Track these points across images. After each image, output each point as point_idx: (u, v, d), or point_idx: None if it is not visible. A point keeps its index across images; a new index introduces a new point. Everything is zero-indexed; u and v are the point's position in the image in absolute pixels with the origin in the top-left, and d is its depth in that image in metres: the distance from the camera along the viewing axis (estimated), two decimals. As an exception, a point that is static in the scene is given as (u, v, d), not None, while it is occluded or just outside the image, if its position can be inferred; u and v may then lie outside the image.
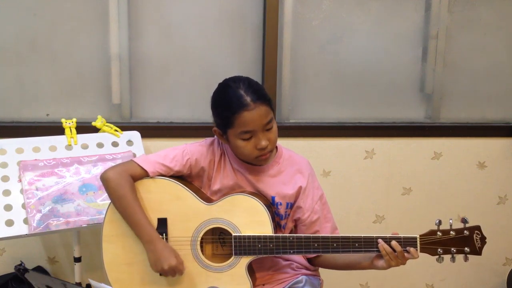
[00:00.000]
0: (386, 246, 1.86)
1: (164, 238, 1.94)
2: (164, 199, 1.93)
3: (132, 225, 1.92)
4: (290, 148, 2.10)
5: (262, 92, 1.91)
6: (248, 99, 1.85)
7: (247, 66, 2.88)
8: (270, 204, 1.98)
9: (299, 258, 2.10)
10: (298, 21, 2.87)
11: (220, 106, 1.92)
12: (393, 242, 1.86)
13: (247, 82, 1.91)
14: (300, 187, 2.00)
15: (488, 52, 3.03)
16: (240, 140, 1.89)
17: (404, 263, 1.89)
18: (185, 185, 1.95)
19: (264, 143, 1.88)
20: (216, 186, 2.00)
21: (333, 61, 2.94)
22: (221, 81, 1.97)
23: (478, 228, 1.85)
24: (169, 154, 1.98)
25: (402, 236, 1.87)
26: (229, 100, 1.88)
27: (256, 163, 1.97)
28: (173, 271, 1.89)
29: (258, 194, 1.98)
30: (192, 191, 1.94)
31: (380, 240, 1.87)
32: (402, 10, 2.95)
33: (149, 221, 1.91)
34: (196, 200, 1.94)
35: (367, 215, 3.03)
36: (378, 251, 1.88)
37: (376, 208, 3.03)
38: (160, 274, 1.93)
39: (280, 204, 1.99)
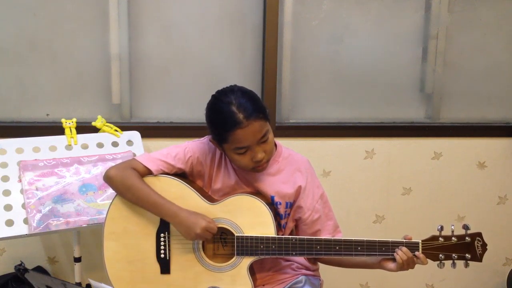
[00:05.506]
0: (402, 254, 1.85)
1: (166, 237, 1.94)
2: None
3: (150, 209, 1.91)
4: (290, 148, 2.09)
5: (256, 106, 1.84)
6: (240, 116, 1.80)
7: (247, 66, 2.88)
8: (270, 204, 1.98)
9: (300, 258, 2.09)
10: (298, 21, 2.87)
11: (213, 123, 1.89)
12: (404, 249, 1.86)
13: (239, 95, 1.84)
14: (300, 187, 1.99)
15: (488, 52, 3.04)
16: (235, 154, 1.88)
17: (413, 268, 1.89)
18: (188, 184, 1.95)
19: (260, 155, 1.87)
20: (217, 185, 2.00)
21: (333, 61, 2.94)
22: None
23: (479, 234, 1.87)
24: (171, 152, 1.98)
25: (404, 241, 1.88)
26: (221, 117, 1.83)
27: (253, 172, 1.96)
28: (207, 231, 1.86)
29: (260, 194, 1.97)
30: (195, 190, 1.94)
31: (399, 251, 1.86)
32: (402, 10, 2.95)
33: (163, 197, 1.89)
34: (199, 199, 1.93)
35: (367, 215, 3.03)
36: (380, 255, 1.88)
37: (376, 208, 3.03)
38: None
39: (280, 203, 1.99)
